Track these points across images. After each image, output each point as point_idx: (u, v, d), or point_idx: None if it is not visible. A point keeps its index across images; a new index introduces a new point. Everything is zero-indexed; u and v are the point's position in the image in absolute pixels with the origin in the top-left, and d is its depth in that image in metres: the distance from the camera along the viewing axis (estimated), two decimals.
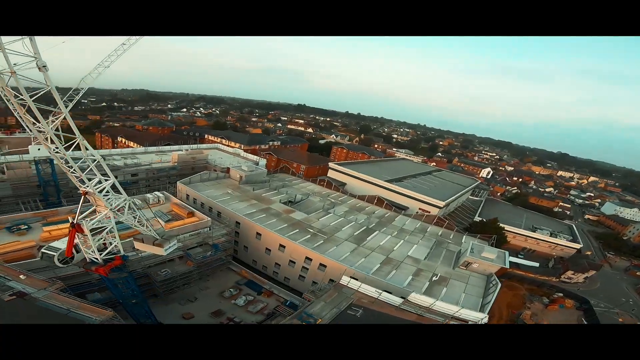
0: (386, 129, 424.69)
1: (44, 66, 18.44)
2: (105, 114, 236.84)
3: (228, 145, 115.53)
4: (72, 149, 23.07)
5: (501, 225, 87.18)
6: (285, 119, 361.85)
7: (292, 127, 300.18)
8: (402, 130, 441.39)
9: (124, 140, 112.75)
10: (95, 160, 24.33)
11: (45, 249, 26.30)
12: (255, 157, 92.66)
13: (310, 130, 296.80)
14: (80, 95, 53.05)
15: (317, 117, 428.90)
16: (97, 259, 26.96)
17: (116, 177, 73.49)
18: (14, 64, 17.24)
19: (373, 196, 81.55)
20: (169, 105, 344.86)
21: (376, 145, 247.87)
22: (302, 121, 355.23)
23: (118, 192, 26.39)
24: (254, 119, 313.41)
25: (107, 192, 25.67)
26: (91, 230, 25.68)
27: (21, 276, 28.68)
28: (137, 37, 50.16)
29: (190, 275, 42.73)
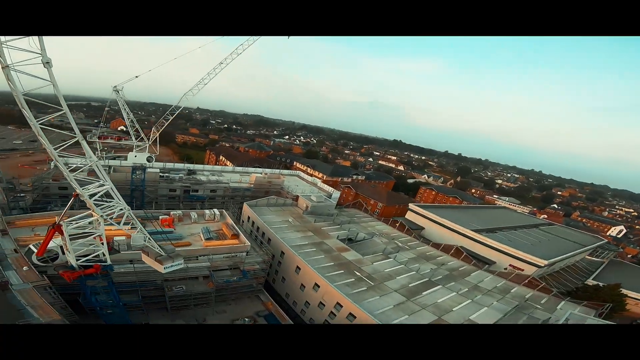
0: (489, 173, 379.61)
1: (47, 62, 18.95)
2: (223, 134, 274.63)
3: (312, 175, 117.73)
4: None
5: (624, 291, 67.49)
6: (378, 153, 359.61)
7: (383, 162, 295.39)
8: (509, 175, 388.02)
9: (223, 158, 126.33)
10: (90, 163, 23.81)
11: (32, 246, 27.63)
12: (330, 189, 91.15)
13: (401, 167, 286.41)
14: (179, 111, 60.26)
15: (411, 155, 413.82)
16: (73, 263, 26.69)
17: (197, 191, 79.20)
18: (22, 61, 18.20)
19: (451, 245, 69.95)
20: (274, 132, 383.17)
21: (473, 190, 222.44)
22: (395, 157, 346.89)
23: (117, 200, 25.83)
24: (347, 151, 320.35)
25: (101, 197, 25.26)
26: (75, 235, 25.63)
27: (24, 267, 30.31)
28: (220, 66, 54.88)
29: (207, 297, 41.82)
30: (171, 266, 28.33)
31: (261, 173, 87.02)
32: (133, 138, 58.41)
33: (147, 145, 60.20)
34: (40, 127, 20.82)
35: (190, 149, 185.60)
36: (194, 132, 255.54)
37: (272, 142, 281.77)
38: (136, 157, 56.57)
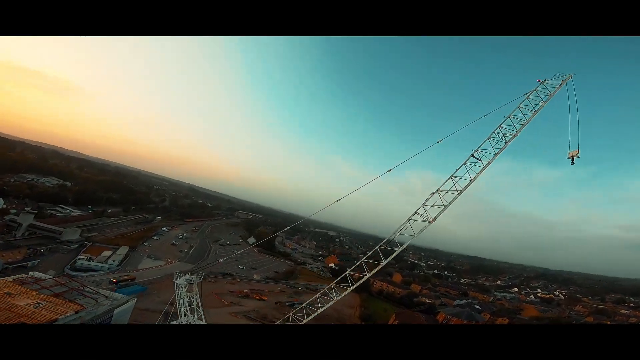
0: None
1: None
2: (428, 285, 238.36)
3: None
4: None
5: None
6: None
7: None
8: None
9: None
10: None
11: None
12: None
13: None
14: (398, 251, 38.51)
15: None
16: None
17: None
18: None
19: None
20: (498, 282, 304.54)
21: None
22: None
23: None
24: (623, 312, 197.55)
25: None
26: None
27: None
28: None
29: None
30: None
31: None
32: None
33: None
34: None
35: (382, 301, 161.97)
36: (396, 280, 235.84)
37: (491, 297, 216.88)
38: None
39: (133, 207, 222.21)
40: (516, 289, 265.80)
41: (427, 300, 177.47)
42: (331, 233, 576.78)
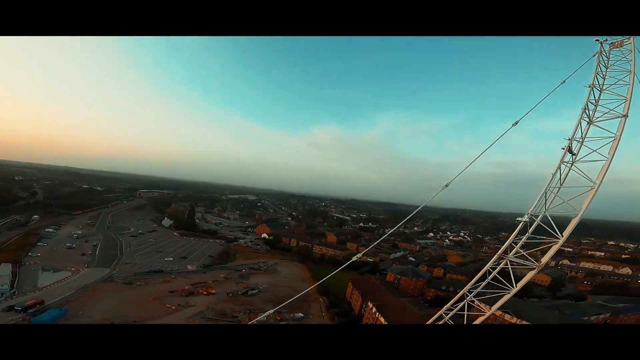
0: None
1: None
2: (361, 240, 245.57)
3: None
4: None
5: None
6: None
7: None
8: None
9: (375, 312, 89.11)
10: None
11: None
12: None
13: None
14: None
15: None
16: None
17: None
18: None
19: None
20: (415, 227, 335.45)
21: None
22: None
23: None
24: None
25: None
26: None
27: None
28: None
29: None
30: None
31: None
32: None
33: None
34: None
35: (328, 267, 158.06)
36: (331, 240, 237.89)
37: (417, 246, 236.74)
38: None
39: None
40: (432, 234, 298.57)
41: (367, 259, 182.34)
42: (250, 197, 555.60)
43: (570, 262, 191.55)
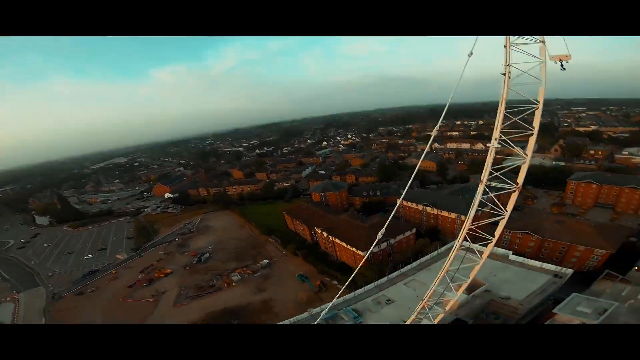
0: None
1: None
2: (268, 168, 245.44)
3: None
4: None
5: None
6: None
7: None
8: (583, 114, 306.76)
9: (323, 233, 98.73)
10: None
11: None
12: None
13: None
14: None
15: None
16: None
17: None
18: None
19: None
20: (308, 141, 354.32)
21: (592, 152, 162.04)
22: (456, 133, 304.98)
23: None
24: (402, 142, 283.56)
25: None
26: None
27: None
28: None
29: None
30: None
31: None
32: None
33: None
34: None
35: (257, 205, 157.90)
36: (239, 177, 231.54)
37: (320, 158, 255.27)
38: None
39: None
40: (325, 143, 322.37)
41: (284, 184, 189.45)
42: (120, 160, 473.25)
43: (439, 144, 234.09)
